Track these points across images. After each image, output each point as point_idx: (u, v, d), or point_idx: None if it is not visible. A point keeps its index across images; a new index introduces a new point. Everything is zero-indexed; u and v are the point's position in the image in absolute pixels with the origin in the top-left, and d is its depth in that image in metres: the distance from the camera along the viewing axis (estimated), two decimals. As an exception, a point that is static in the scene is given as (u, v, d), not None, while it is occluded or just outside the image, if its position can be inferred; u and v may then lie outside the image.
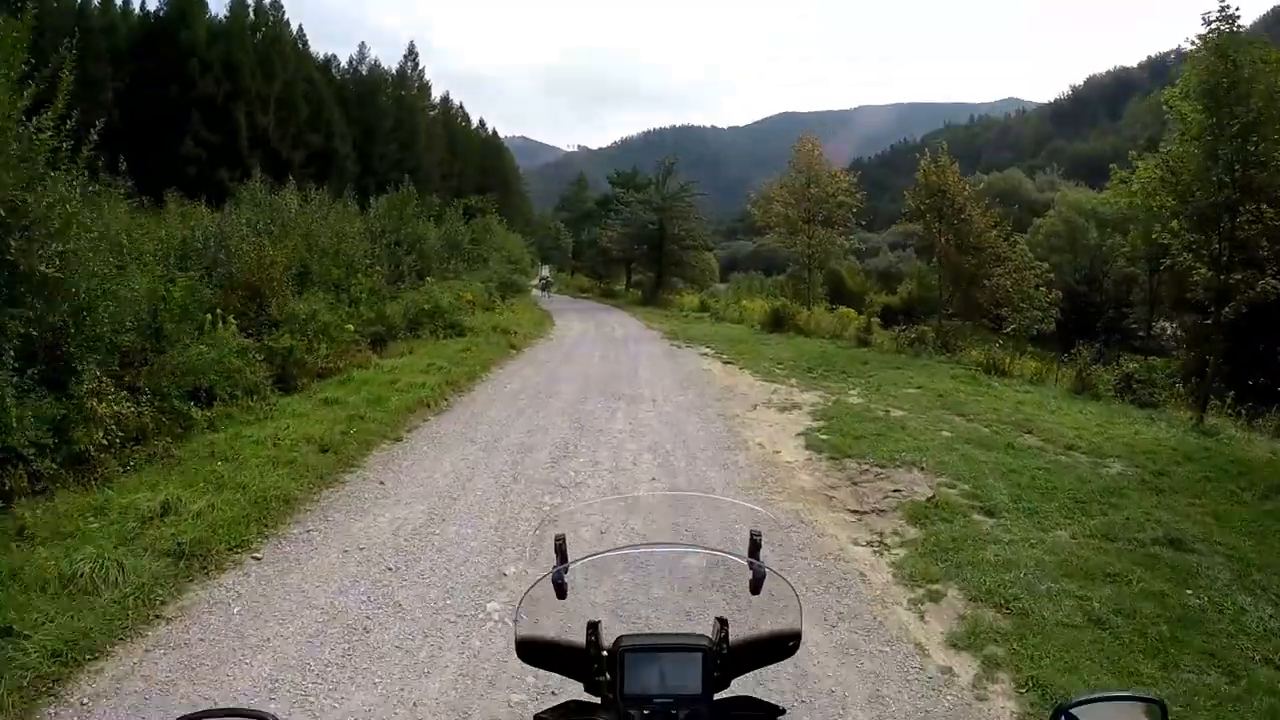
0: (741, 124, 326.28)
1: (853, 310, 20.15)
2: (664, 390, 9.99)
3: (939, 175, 15.99)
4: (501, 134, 73.03)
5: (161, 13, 30.93)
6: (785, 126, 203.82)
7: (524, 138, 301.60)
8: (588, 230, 45.61)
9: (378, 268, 13.89)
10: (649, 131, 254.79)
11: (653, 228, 31.40)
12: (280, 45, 34.51)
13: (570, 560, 1.09)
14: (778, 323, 19.01)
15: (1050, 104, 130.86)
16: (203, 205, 14.21)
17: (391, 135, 39.55)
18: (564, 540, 1.10)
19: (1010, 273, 16.50)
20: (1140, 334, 31.41)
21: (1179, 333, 28.69)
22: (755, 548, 1.12)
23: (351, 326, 10.55)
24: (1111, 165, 28.56)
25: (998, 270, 16.36)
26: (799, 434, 7.48)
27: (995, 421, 8.31)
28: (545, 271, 58.34)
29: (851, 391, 10.32)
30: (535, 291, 35.84)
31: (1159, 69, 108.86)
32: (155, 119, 27.51)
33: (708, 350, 14.67)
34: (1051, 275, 19.97)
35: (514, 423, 7.75)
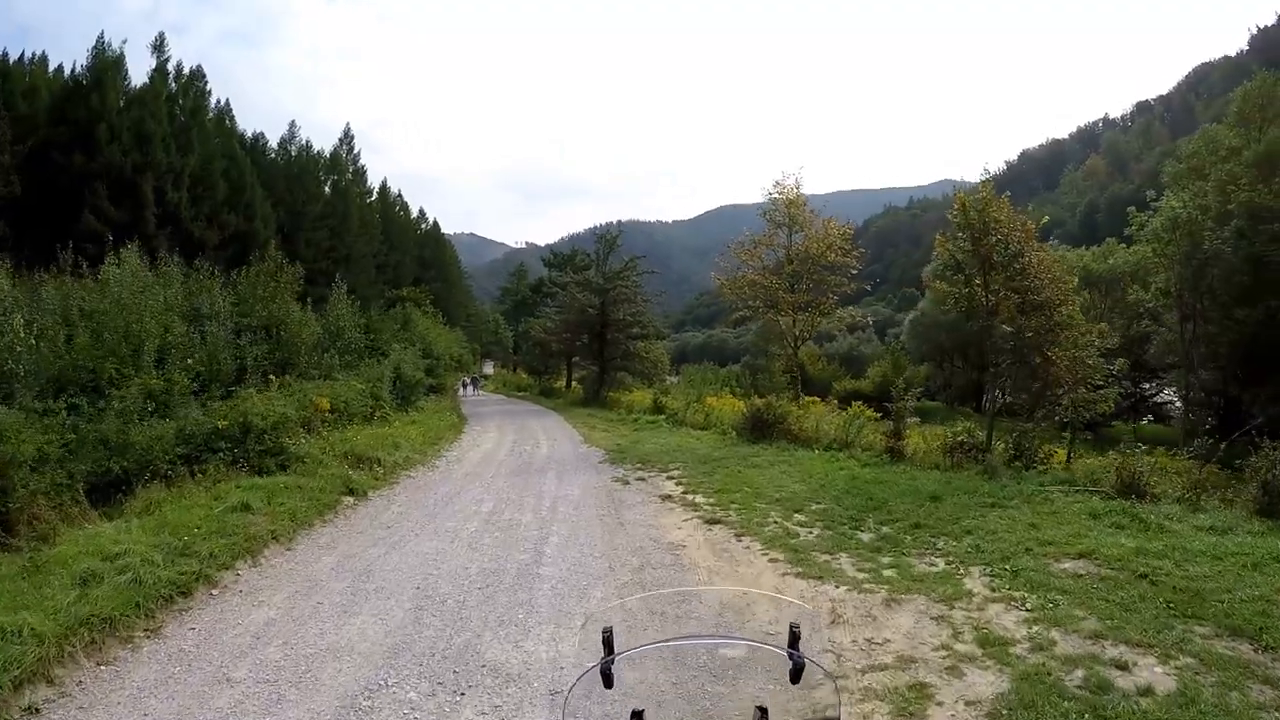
0: (685, 217, 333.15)
1: (865, 406, 14.58)
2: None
3: (982, 212, 11.22)
4: (449, 231, 70.64)
5: (84, 78, 26.88)
6: (729, 218, 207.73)
7: (472, 234, 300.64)
8: (524, 321, 40.84)
9: (189, 360, 10.27)
10: (596, 226, 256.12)
11: (593, 313, 26.27)
12: (200, 116, 30.27)
13: (617, 652, 1.11)
14: (760, 427, 13.73)
15: (988, 180, 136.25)
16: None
17: (321, 221, 35.47)
18: (611, 632, 1.11)
19: (1079, 336, 11.81)
20: (1170, 403, 27.53)
21: (1203, 395, 23.91)
22: (795, 639, 1.11)
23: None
24: (1129, 209, 25.17)
25: (1065, 334, 11.60)
26: None
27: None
28: (487, 369, 53.51)
29: (969, 581, 5.16)
30: (461, 390, 30.63)
31: (1090, 137, 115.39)
32: (59, 189, 24.00)
33: (672, 485, 9.15)
34: (1117, 339, 15.47)
35: None
